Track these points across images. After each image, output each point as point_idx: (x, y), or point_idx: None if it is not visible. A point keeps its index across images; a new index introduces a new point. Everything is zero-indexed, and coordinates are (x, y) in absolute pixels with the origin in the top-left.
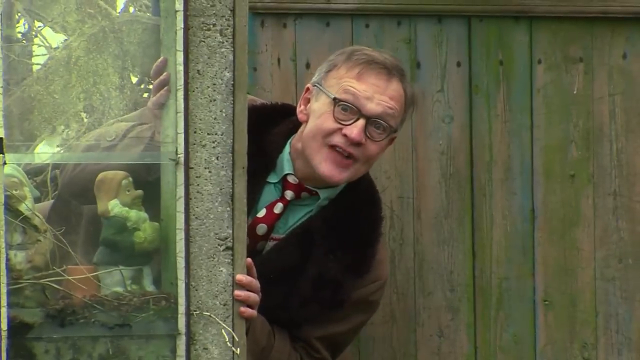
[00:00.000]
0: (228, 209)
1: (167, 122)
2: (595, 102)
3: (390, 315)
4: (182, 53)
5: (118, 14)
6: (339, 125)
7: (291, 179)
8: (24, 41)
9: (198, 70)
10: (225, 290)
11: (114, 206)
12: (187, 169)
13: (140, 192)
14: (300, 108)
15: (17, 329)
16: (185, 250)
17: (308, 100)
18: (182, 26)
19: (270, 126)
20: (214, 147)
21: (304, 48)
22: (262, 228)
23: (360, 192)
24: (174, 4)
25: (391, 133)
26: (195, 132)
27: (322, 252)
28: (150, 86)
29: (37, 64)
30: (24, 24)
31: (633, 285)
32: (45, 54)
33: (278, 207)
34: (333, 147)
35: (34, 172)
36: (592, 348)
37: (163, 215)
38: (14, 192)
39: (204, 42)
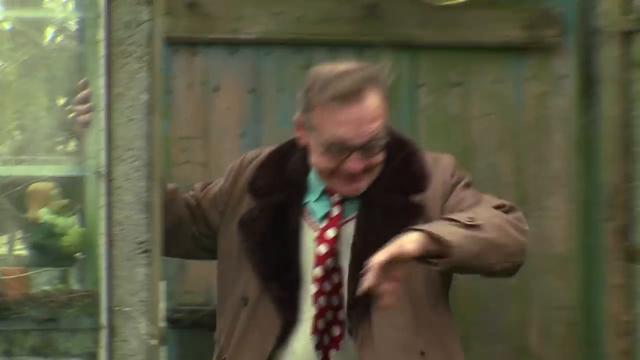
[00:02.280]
0: (145, 216)
1: (91, 139)
2: (471, 122)
3: None
4: (104, 78)
5: (47, 43)
6: (337, 163)
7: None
8: None
9: (118, 93)
10: (143, 289)
11: (44, 214)
12: (109, 180)
13: (66, 201)
14: (298, 135)
15: None
16: (107, 253)
17: (301, 125)
18: (104, 54)
19: (287, 160)
20: (132, 161)
21: (213, 74)
22: (331, 232)
23: (389, 149)
24: (96, 33)
25: (383, 140)
26: (115, 148)
27: (381, 197)
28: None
29: None
30: None
31: None
32: None
33: (334, 211)
34: (342, 179)
35: None
36: None
37: (87, 221)
38: None
39: (123, 68)
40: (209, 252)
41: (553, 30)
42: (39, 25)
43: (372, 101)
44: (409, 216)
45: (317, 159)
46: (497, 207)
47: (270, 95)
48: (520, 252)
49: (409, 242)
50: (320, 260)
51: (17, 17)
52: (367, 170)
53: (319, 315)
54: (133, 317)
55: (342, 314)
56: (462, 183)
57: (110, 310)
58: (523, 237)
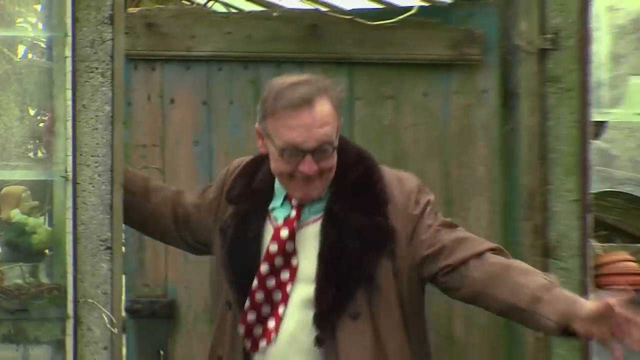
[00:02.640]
0: (108, 216)
1: (59, 147)
2: (402, 131)
3: None
4: (70, 91)
5: (19, 59)
6: (293, 167)
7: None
8: None
9: (84, 105)
10: (105, 282)
11: (15, 214)
12: (75, 184)
13: (36, 202)
14: (259, 144)
15: None
16: (73, 249)
17: (261, 135)
18: (71, 69)
19: (258, 170)
20: (96, 167)
21: (169, 87)
22: (284, 231)
23: (346, 162)
24: (64, 51)
25: (335, 144)
26: (81, 155)
27: (345, 212)
28: (45, 118)
29: None
30: None
31: None
32: None
33: (292, 213)
34: (297, 181)
35: None
36: None
37: (55, 221)
38: None
39: (88, 82)
40: (197, 250)
41: (476, 49)
42: (12, 43)
43: (322, 108)
44: (381, 239)
45: (274, 164)
46: (493, 250)
47: (221, 107)
48: None
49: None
50: (269, 257)
51: None
52: (320, 174)
53: (251, 307)
54: (97, 307)
55: (282, 309)
56: (431, 206)
57: (76, 302)
58: None
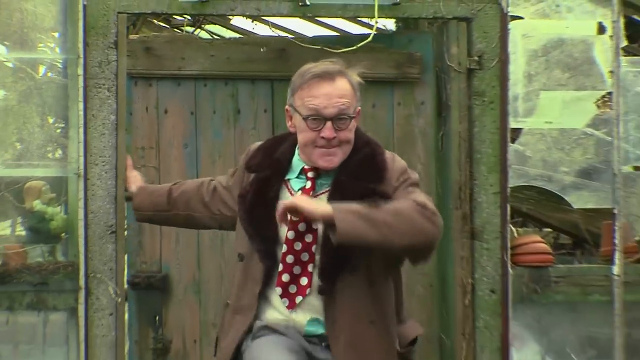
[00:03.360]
0: (113, 206)
1: (72, 149)
2: None
3: None
4: (82, 103)
5: (40, 77)
6: (316, 133)
7: (307, 167)
8: None
9: (93, 114)
10: (111, 260)
11: (37, 204)
12: (85, 179)
13: (54, 195)
14: (289, 124)
15: None
16: (84, 233)
17: (290, 117)
18: (82, 85)
19: (279, 146)
20: (103, 165)
21: (163, 100)
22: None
23: (356, 145)
24: (76, 70)
25: (352, 117)
26: (90, 155)
27: (351, 181)
28: (61, 124)
29: None
30: None
31: None
32: None
33: (307, 184)
34: (320, 147)
35: None
36: None
37: (69, 210)
38: None
39: (96, 96)
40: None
41: (415, 69)
42: (34, 63)
43: (342, 83)
44: (378, 200)
45: (301, 135)
46: (417, 204)
47: (205, 116)
48: (422, 236)
49: (317, 206)
50: (292, 225)
51: (17, 57)
52: (339, 144)
53: (284, 271)
54: (104, 281)
55: (311, 267)
56: (409, 181)
57: (87, 276)
58: (428, 224)
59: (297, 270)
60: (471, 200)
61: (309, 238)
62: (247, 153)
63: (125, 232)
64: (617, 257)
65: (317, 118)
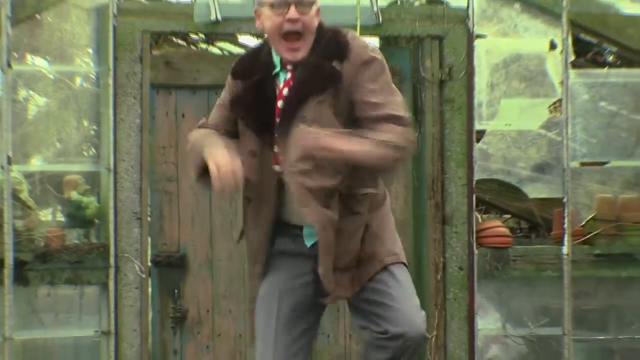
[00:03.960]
0: (138, 196)
1: (104, 148)
2: None
3: None
4: (112, 109)
5: (77, 87)
6: (281, 18)
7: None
8: (23, 102)
9: (121, 118)
10: (136, 242)
11: (74, 195)
12: (115, 173)
13: (88, 187)
14: (257, 24)
15: (18, 264)
16: (114, 219)
17: (259, 16)
18: (112, 94)
19: (259, 54)
20: (130, 162)
21: (181, 106)
22: (285, 90)
23: (323, 32)
24: (107, 81)
25: (314, 4)
26: (119, 153)
27: (316, 62)
28: (94, 127)
29: (31, 115)
30: (25, 92)
31: None
32: (35, 109)
33: (288, 75)
34: (286, 35)
35: (28, 175)
36: None
37: (101, 199)
38: (16, 187)
39: (124, 102)
40: None
41: (395, 79)
42: (71, 75)
43: None
44: (329, 79)
45: (269, 26)
46: (389, 118)
47: None
48: (400, 160)
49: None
50: (278, 112)
51: (57, 70)
52: (302, 31)
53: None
54: (130, 259)
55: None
56: (374, 67)
57: (116, 256)
58: (392, 151)
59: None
60: (442, 191)
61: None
62: (230, 74)
63: (149, 218)
64: (566, 239)
65: (281, 2)
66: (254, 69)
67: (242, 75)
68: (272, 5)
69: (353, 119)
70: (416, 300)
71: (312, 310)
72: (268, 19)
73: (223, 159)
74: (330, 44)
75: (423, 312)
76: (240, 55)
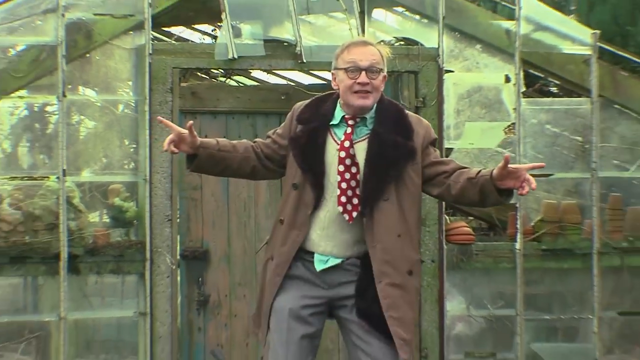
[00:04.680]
0: (169, 202)
1: (141, 162)
2: None
3: None
4: (148, 130)
5: (119, 112)
6: (354, 80)
7: (347, 116)
8: (75, 125)
9: (155, 138)
10: (168, 239)
11: (117, 200)
12: (150, 183)
13: (128, 194)
14: (333, 84)
15: (71, 257)
16: (150, 220)
17: (334, 78)
18: (148, 118)
19: (323, 104)
20: (163, 174)
21: (204, 128)
22: (346, 142)
23: (385, 105)
24: (144, 107)
25: (381, 72)
26: (154, 167)
27: (386, 136)
28: (133, 145)
29: (82, 135)
30: (77, 117)
31: None
32: (86, 131)
33: (348, 130)
34: (357, 92)
35: (79, 184)
36: None
37: (139, 204)
38: (70, 194)
39: (158, 125)
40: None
41: None
42: (115, 103)
43: (373, 48)
44: (407, 154)
45: (342, 85)
46: (461, 167)
47: (233, 140)
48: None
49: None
50: (341, 160)
51: (103, 98)
52: (371, 90)
53: (341, 194)
54: (163, 254)
55: (359, 190)
56: (434, 140)
57: (151, 250)
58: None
59: (350, 193)
60: None
61: (354, 169)
62: (295, 110)
63: (178, 220)
64: (519, 237)
65: (355, 69)
66: (314, 117)
67: (304, 121)
68: (346, 70)
69: (416, 184)
70: None
71: (317, 325)
72: (342, 82)
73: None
74: (397, 120)
75: None
76: (305, 102)
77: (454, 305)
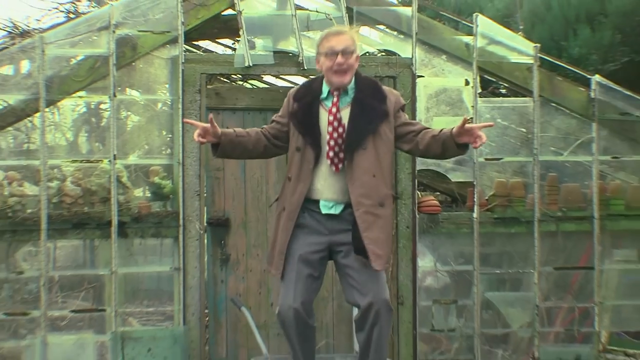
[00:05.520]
0: (197, 180)
1: (176, 149)
2: None
3: None
4: (181, 124)
5: (158, 109)
6: (332, 61)
7: (332, 89)
8: (123, 119)
9: (187, 129)
10: (197, 210)
11: (157, 179)
12: (183, 165)
13: (166, 174)
14: (317, 67)
15: (120, 224)
16: (182, 195)
17: (318, 61)
18: (181, 114)
19: (312, 84)
20: (193, 157)
21: (225, 121)
22: (333, 109)
23: (362, 79)
24: (178, 105)
25: (354, 53)
26: (185, 152)
27: (365, 101)
28: (169, 135)
29: (129, 127)
30: (125, 113)
31: None
32: (131, 124)
33: (334, 99)
34: (336, 71)
35: (127, 166)
36: None
37: (174, 182)
38: (119, 174)
39: (189, 119)
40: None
41: None
42: (155, 101)
43: (347, 35)
44: (381, 114)
45: (324, 66)
46: (426, 128)
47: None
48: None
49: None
50: (330, 122)
51: (146, 98)
52: (347, 69)
53: (330, 150)
54: (193, 221)
55: (342, 148)
56: (402, 106)
57: (184, 219)
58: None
59: (337, 149)
60: (396, 177)
61: (340, 130)
62: (290, 94)
63: (205, 194)
64: (475, 208)
65: (332, 53)
66: (307, 94)
67: (298, 99)
68: (326, 54)
69: (390, 138)
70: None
71: (321, 267)
72: (324, 64)
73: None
74: (374, 89)
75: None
76: (298, 85)
77: (425, 262)
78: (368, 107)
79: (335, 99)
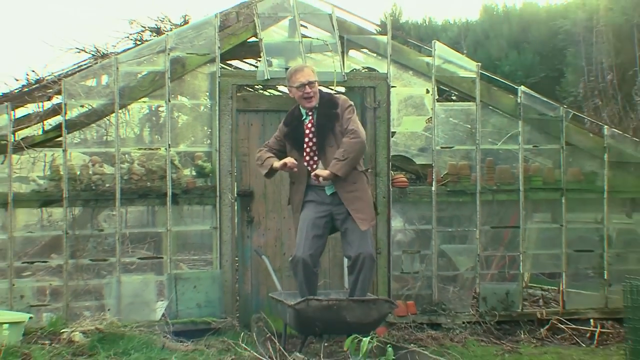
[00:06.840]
0: (230, 162)
1: (214, 140)
2: None
3: None
4: (218, 122)
5: (201, 110)
6: (302, 92)
7: (307, 111)
8: (175, 118)
9: (222, 125)
10: (230, 185)
11: (200, 162)
12: (219, 152)
13: (207, 158)
14: (290, 95)
15: (174, 195)
16: (219, 173)
17: (290, 91)
18: (218, 115)
19: (294, 111)
20: (226, 146)
21: (250, 120)
22: (309, 125)
23: (323, 96)
24: (216, 108)
25: (316, 82)
26: (221, 142)
27: (322, 116)
28: (209, 130)
29: (180, 124)
30: (177, 113)
31: None
32: (182, 121)
33: (310, 118)
34: (305, 98)
35: (179, 152)
36: None
37: (213, 164)
38: (172, 158)
39: (223, 118)
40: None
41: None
42: (198, 105)
43: (309, 69)
44: (334, 118)
45: (297, 96)
46: (350, 131)
47: (268, 127)
48: (360, 152)
49: (325, 172)
50: (306, 135)
51: (192, 102)
52: (313, 95)
53: (306, 155)
54: (226, 193)
55: (314, 151)
56: (349, 109)
57: (220, 191)
58: (358, 144)
59: (312, 154)
60: (375, 160)
61: (315, 139)
62: (283, 122)
63: (235, 174)
64: (434, 184)
65: (301, 85)
66: (292, 119)
67: (287, 124)
68: (297, 87)
69: (343, 132)
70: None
71: (325, 228)
72: (296, 94)
73: (288, 160)
74: (330, 101)
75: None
76: (287, 112)
77: (396, 223)
78: (327, 115)
79: (311, 117)
